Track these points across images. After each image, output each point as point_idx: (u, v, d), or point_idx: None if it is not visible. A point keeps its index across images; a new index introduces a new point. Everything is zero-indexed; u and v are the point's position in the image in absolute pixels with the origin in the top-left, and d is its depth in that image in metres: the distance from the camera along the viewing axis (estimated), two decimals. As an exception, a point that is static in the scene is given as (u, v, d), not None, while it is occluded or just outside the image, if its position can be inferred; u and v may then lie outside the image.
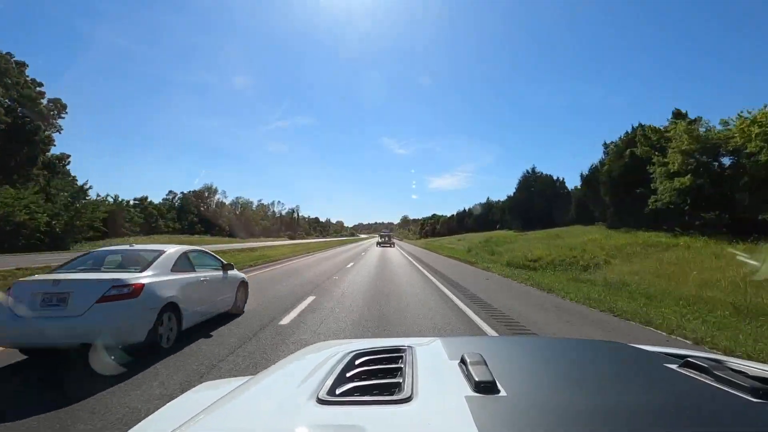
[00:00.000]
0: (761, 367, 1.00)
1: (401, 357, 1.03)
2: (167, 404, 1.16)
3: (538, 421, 0.68)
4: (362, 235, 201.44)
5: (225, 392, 0.98)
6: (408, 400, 0.76)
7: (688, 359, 0.97)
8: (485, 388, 0.77)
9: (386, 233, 53.47)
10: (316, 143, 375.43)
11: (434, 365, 1.00)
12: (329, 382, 0.87)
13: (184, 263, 5.41)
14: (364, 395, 0.81)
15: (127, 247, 5.68)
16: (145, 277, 4.49)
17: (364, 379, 0.93)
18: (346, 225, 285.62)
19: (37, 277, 4.55)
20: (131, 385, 3.56)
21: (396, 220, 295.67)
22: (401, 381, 0.86)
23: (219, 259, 6.59)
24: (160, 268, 4.86)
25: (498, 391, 0.77)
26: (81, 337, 3.90)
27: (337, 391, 0.83)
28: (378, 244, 47.72)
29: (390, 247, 42.32)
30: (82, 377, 3.68)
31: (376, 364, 1.02)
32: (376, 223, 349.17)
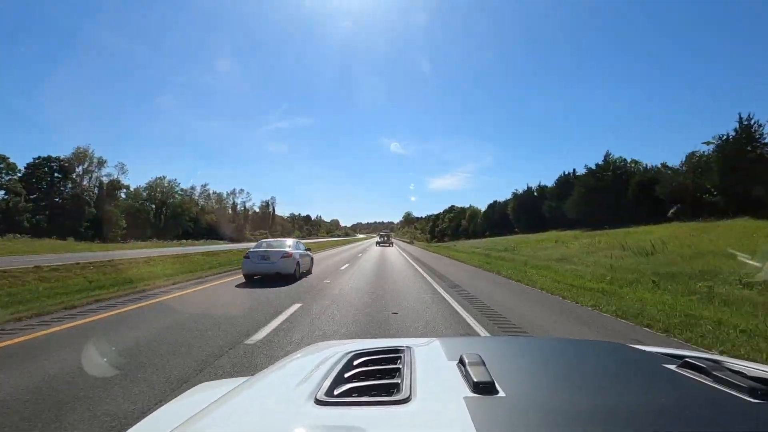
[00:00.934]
0: (759, 368, 1.00)
1: (399, 358, 1.04)
2: (165, 404, 1.20)
3: (537, 422, 0.68)
4: (360, 235, 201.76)
5: (223, 393, 0.99)
6: (406, 400, 0.76)
7: (686, 359, 0.98)
8: (484, 388, 0.77)
9: (385, 233, 61.15)
10: (315, 143, 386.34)
11: (433, 366, 1.01)
12: (327, 383, 0.88)
13: (297, 246, 12.54)
14: (362, 396, 0.82)
15: (274, 239, 13.07)
16: (290, 249, 11.67)
17: (363, 380, 0.94)
18: (342, 224, 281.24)
19: (257, 249, 11.63)
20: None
21: (396, 219, 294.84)
22: (399, 382, 0.86)
23: (304, 245, 13.75)
24: (293, 246, 12.04)
25: (496, 392, 0.77)
26: (275, 270, 11.03)
27: (335, 392, 0.84)
28: (377, 243, 54.89)
29: (389, 246, 48.43)
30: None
31: (375, 365, 1.03)
32: (375, 222, 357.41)
